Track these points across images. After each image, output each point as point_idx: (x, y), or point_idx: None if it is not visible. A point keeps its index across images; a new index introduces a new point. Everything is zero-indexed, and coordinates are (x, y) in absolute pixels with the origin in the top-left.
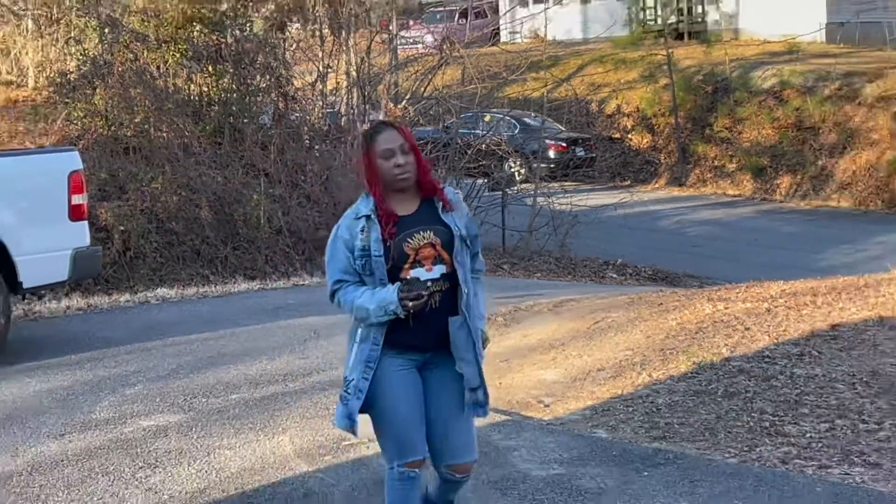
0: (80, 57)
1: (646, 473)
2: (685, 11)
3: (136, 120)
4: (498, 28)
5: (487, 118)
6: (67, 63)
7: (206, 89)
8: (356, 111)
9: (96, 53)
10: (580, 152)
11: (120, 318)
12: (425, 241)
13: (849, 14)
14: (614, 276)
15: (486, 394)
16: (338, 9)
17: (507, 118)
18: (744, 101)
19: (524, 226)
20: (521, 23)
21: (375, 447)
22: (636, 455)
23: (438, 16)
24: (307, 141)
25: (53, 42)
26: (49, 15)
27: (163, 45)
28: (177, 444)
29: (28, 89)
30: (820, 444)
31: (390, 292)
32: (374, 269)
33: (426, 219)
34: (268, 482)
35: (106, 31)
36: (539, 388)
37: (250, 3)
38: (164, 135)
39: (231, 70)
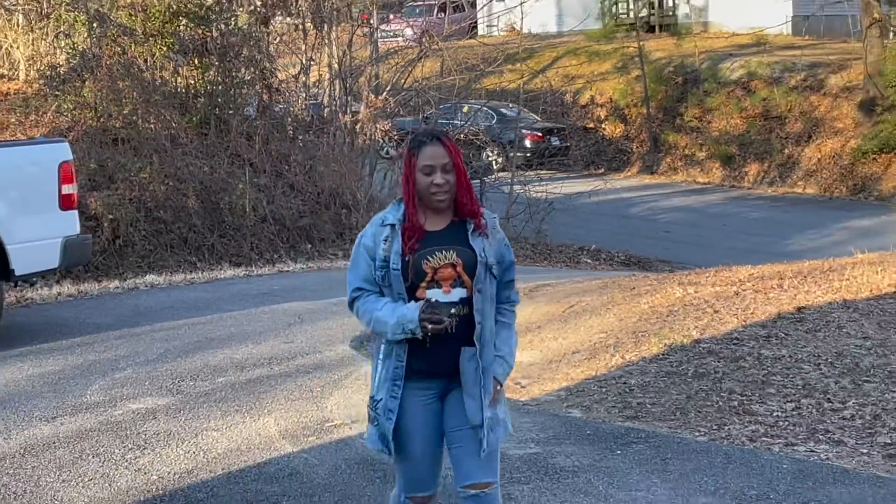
0: (70, 50)
1: (619, 452)
2: (656, 5)
3: (125, 112)
4: (475, 21)
5: (465, 109)
6: (57, 56)
7: (192, 82)
8: (338, 102)
9: (85, 47)
10: (555, 142)
11: (110, 304)
12: (446, 262)
13: (814, 7)
14: (588, 261)
15: (493, 433)
16: (320, 3)
17: (485, 109)
18: (713, 92)
19: (501, 213)
20: (498, 16)
21: (358, 428)
22: (609, 434)
23: (418, 10)
24: (291, 132)
25: (43, 36)
26: (39, 10)
27: (150, 38)
28: (165, 427)
29: (19, 82)
30: (786, 423)
31: (412, 310)
32: (391, 283)
33: (452, 238)
34: (253, 462)
35: (94, 25)
36: (516, 370)
37: None
38: (152, 126)
39: (216, 63)
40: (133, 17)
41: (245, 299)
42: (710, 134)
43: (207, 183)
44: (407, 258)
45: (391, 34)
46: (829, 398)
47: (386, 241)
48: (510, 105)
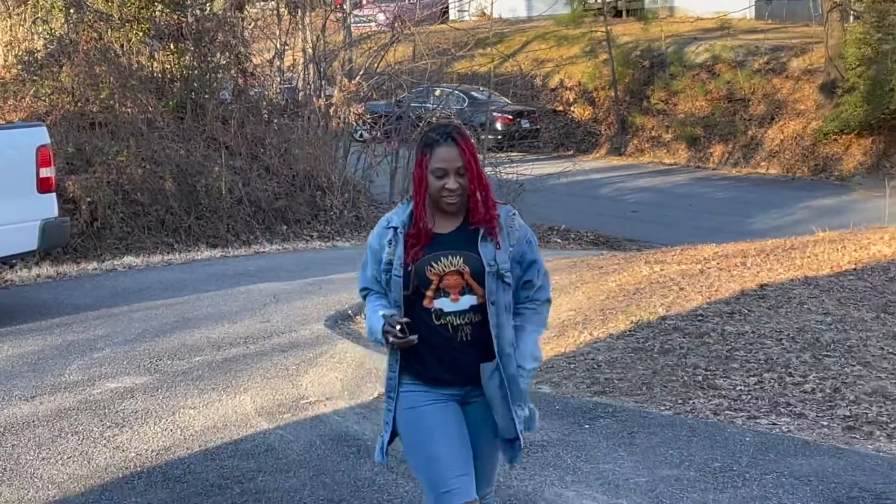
0: (47, 36)
1: (587, 426)
2: None
3: (102, 96)
4: (447, 6)
5: (438, 93)
6: (35, 42)
7: (168, 66)
8: (312, 87)
9: (62, 33)
10: (525, 124)
11: (88, 286)
12: (451, 269)
13: None
14: (558, 240)
15: (520, 445)
16: None
17: (457, 92)
18: (678, 75)
19: None
20: (469, 1)
21: (333, 405)
22: (578, 409)
23: None
24: (266, 115)
25: (21, 22)
26: None
27: (126, 24)
28: (143, 405)
29: None
30: (749, 397)
31: (378, 320)
32: (392, 288)
33: (461, 243)
34: (230, 439)
35: (71, 11)
36: None
37: None
38: (129, 110)
39: (192, 48)
40: (109, 3)
41: (221, 280)
42: (676, 116)
43: (184, 166)
44: (409, 267)
45: (364, 19)
46: (790, 372)
47: (390, 244)
48: (481, 89)
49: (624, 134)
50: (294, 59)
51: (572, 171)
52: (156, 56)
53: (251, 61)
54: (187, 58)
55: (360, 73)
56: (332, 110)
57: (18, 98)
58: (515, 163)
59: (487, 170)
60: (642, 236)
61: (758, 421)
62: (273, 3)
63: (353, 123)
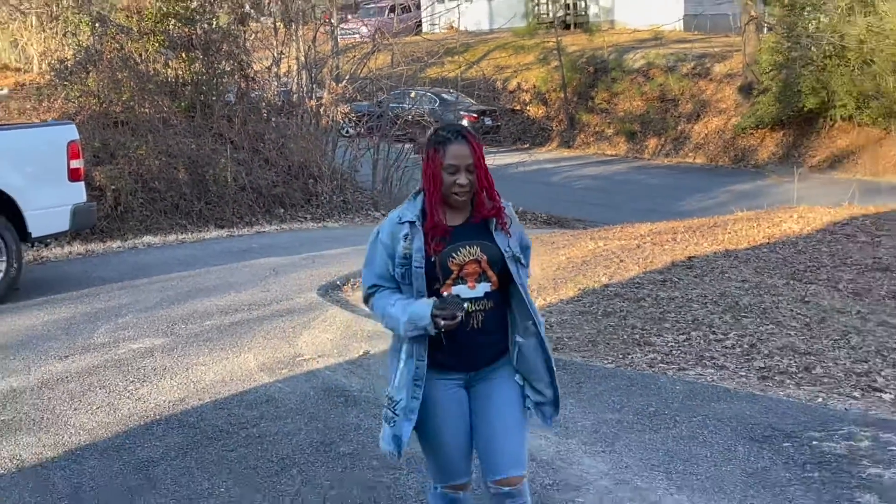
0: (76, 47)
1: None
2: (571, 6)
3: (123, 98)
4: (420, 21)
5: (413, 94)
6: (65, 52)
7: (180, 73)
8: (305, 90)
9: (89, 44)
10: (488, 122)
11: (113, 261)
12: (471, 258)
13: (702, 7)
14: None
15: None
16: (288, 5)
17: (429, 94)
18: (618, 79)
19: None
20: (440, 16)
21: (325, 361)
22: None
23: (372, 11)
24: (265, 114)
25: (53, 35)
26: (49, 12)
27: (144, 36)
28: (161, 363)
29: (33, 74)
30: (679, 352)
31: (424, 307)
32: (412, 280)
33: (475, 234)
34: (236, 391)
35: (97, 25)
36: None
37: (215, 1)
38: (147, 110)
39: (201, 56)
40: (129, 18)
41: (228, 255)
42: (617, 114)
43: (194, 158)
44: (433, 258)
45: (349, 32)
46: (713, 331)
47: (406, 238)
48: (450, 91)
49: (572, 129)
50: (289, 66)
51: (528, 161)
52: (170, 64)
53: (252, 68)
54: (197, 65)
55: (346, 77)
56: (322, 110)
57: (51, 100)
58: None
59: None
60: (588, 217)
61: (686, 372)
62: (271, 18)
63: (340, 121)
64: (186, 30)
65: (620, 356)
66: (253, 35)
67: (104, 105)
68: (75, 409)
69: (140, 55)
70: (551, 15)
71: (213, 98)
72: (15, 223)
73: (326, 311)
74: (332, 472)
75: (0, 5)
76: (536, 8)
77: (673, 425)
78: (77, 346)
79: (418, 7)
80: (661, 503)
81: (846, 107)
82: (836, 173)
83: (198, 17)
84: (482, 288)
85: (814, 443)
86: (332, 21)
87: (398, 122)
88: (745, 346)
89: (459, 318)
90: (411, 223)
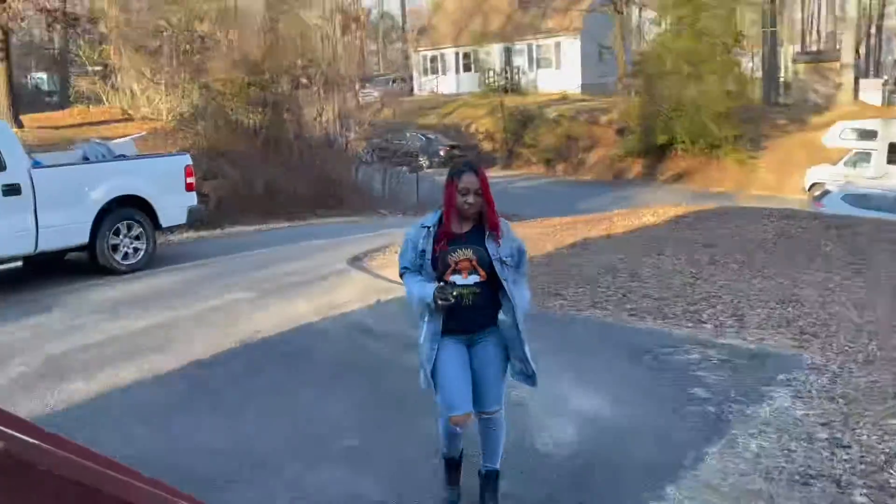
0: (189, 104)
1: None
2: (509, 78)
3: (221, 138)
4: (412, 87)
5: (408, 135)
6: (182, 107)
7: (257, 121)
8: (339, 131)
9: (198, 103)
10: (456, 152)
11: (216, 243)
12: (464, 257)
13: (592, 78)
14: None
15: (533, 370)
16: (328, 77)
17: (418, 134)
18: (540, 125)
19: (426, 190)
20: (425, 85)
21: (352, 307)
22: None
23: (381, 81)
24: (312, 148)
25: (175, 96)
26: (172, 82)
27: (234, 97)
28: (248, 308)
29: (163, 122)
30: (580, 299)
31: (429, 289)
32: (427, 269)
33: (471, 240)
34: (296, 325)
35: (203, 90)
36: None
37: (280, 75)
38: (236, 146)
39: (270, 111)
40: (224, 86)
41: (291, 239)
42: (539, 147)
43: (267, 177)
44: (437, 254)
45: (366, 94)
46: (599, 285)
47: (424, 238)
48: (432, 133)
49: (510, 158)
50: (328, 117)
51: None
52: (250, 115)
53: (303, 117)
54: (268, 116)
55: (365, 124)
56: (349, 145)
57: (175, 139)
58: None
59: (436, 178)
60: (522, 213)
61: (583, 313)
62: (315, 86)
63: (361, 152)
64: (261, 93)
65: (539, 304)
66: (304, 96)
67: (209, 143)
68: (193, 338)
69: (231, 110)
70: (497, 84)
71: (279, 138)
72: (151, 218)
73: (352, 275)
74: (358, 375)
75: (142, 78)
76: (487, 80)
77: (575, 348)
78: (198, 297)
79: (412, 79)
80: (569, 395)
81: (685, 142)
82: (679, 185)
83: (268, 85)
84: (472, 278)
85: (663, 357)
86: (356, 87)
87: (398, 152)
88: (620, 295)
89: (451, 300)
90: (428, 228)
